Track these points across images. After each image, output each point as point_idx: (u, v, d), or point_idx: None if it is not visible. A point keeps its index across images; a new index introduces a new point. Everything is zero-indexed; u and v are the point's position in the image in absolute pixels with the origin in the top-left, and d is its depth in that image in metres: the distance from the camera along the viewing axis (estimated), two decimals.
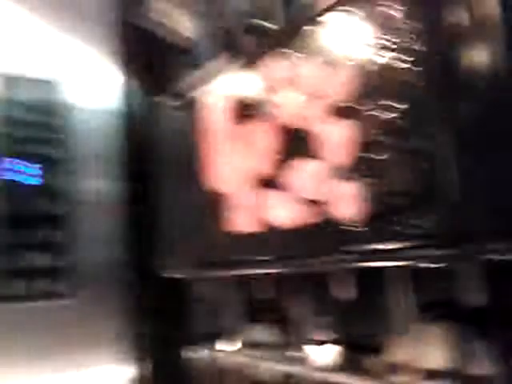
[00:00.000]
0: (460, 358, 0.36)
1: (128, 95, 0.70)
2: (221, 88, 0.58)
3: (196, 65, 0.72)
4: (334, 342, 0.47)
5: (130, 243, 0.64)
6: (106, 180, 0.62)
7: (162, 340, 0.66)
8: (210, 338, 0.63)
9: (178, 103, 0.66)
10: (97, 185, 0.61)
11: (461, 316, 0.35)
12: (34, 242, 0.54)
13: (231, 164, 0.52)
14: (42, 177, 0.55)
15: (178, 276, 0.59)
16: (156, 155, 0.67)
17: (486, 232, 0.30)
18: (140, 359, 0.63)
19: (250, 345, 0.57)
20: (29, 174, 0.55)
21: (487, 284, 0.32)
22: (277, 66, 0.48)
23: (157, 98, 0.70)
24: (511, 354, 0.32)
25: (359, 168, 0.39)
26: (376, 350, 0.45)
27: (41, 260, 0.54)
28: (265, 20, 0.61)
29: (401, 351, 0.39)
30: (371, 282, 0.42)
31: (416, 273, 0.37)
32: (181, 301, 0.65)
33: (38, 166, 0.56)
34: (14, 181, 0.53)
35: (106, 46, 0.68)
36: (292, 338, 0.52)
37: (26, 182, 0.54)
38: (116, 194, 0.63)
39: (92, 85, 0.65)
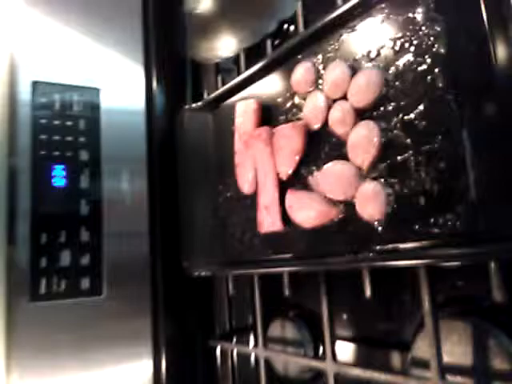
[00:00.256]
0: (482, 353, 0.36)
1: (153, 98, 0.72)
2: (245, 90, 0.60)
3: (222, 69, 0.75)
4: (358, 339, 0.48)
5: (157, 243, 0.66)
6: (133, 181, 0.64)
7: (189, 336, 0.68)
8: (236, 334, 0.65)
9: (201, 104, 0.69)
10: (123, 186, 0.63)
11: (483, 313, 0.36)
12: (63, 241, 0.57)
13: (258, 166, 0.54)
14: (68, 178, 0.57)
15: (206, 274, 0.61)
16: (181, 155, 0.69)
17: (505, 231, 0.31)
18: (166, 356, 0.65)
19: (275, 340, 0.59)
20: (56, 175, 0.57)
21: (508, 282, 0.32)
22: (302, 69, 0.50)
23: (181, 101, 0.73)
24: None
25: (381, 168, 0.41)
26: (399, 346, 0.46)
27: (71, 259, 0.56)
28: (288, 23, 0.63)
29: (424, 347, 0.40)
30: (394, 280, 0.43)
31: (438, 271, 0.38)
32: (207, 299, 0.68)
33: (64, 167, 0.57)
34: (42, 182, 0.55)
35: (132, 50, 0.70)
36: (317, 334, 0.54)
37: (54, 184, 0.57)
38: (142, 196, 0.65)
39: (117, 88, 0.67)
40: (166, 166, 0.70)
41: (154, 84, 0.73)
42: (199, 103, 0.69)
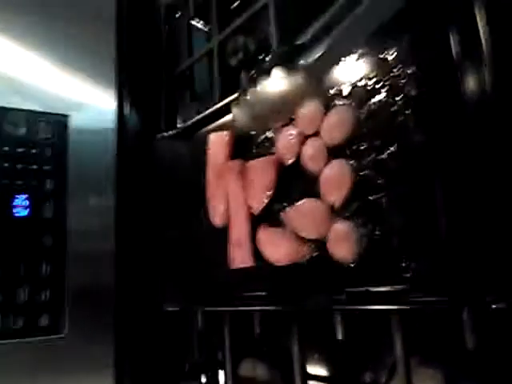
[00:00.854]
0: None
1: (125, 124, 0.70)
2: (220, 121, 0.59)
3: (196, 97, 0.74)
4: (326, 379, 0.47)
5: (126, 275, 0.63)
6: (100, 211, 0.61)
7: (157, 372, 0.65)
8: (206, 371, 0.62)
9: (176, 132, 0.67)
10: (89, 215, 0.60)
11: (451, 359, 0.35)
12: (23, 275, 0.54)
13: (230, 199, 0.52)
14: (31, 208, 0.55)
15: (177, 309, 0.59)
16: (153, 184, 0.68)
17: (477, 279, 0.30)
18: None
19: (246, 380, 0.56)
20: (18, 205, 0.55)
21: (478, 329, 0.31)
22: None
23: (155, 128, 0.71)
24: None
25: (353, 207, 0.40)
26: None
27: (30, 294, 0.53)
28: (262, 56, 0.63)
29: None
30: (367, 322, 0.42)
31: (410, 315, 0.37)
32: (176, 334, 0.65)
33: (27, 196, 0.55)
34: (2, 213, 0.53)
35: (103, 74, 0.69)
36: (286, 374, 0.51)
37: (16, 215, 0.54)
38: (110, 225, 0.63)
39: (87, 114, 0.65)
40: (136, 194, 0.68)
41: (127, 110, 0.71)
42: (173, 131, 0.67)
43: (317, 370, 0.51)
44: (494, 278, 0.30)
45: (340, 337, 0.42)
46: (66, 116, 0.61)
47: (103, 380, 0.60)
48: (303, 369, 0.47)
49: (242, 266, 0.50)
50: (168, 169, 0.65)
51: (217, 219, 0.54)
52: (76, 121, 0.62)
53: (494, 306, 0.28)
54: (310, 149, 0.44)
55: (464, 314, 0.32)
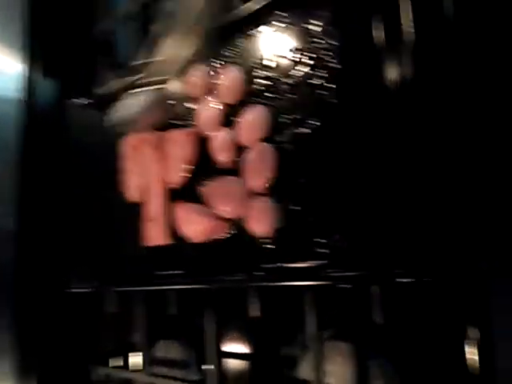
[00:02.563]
0: (359, 375, 0.36)
1: (34, 89, 0.63)
2: (138, 90, 0.55)
3: (114, 64, 0.68)
4: (243, 357, 0.46)
5: (28, 252, 0.58)
6: (2, 179, 0.55)
7: (66, 358, 0.60)
8: (119, 355, 0.59)
9: (91, 101, 0.62)
10: None
11: (360, 335, 0.36)
12: None
13: (145, 173, 0.49)
14: None
15: (83, 290, 0.55)
16: (66, 154, 0.62)
17: (386, 255, 0.31)
18: (41, 378, 0.57)
19: (161, 361, 0.54)
20: None
21: (386, 304, 0.32)
22: (197, 72, 0.46)
23: (66, 94, 0.65)
24: (406, 373, 0.33)
25: (273, 185, 0.39)
26: (288, 365, 0.45)
27: None
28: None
29: (306, 368, 0.39)
30: (279, 299, 0.42)
31: (323, 292, 0.37)
32: (86, 317, 0.61)
33: None
34: None
35: (13, 40, 0.61)
36: (202, 353, 0.50)
37: None
38: (11, 193, 0.56)
39: None
40: (44, 163, 0.62)
41: (39, 76, 0.64)
42: (87, 99, 0.62)
43: (233, 347, 0.50)
44: (403, 254, 0.31)
45: (256, 314, 0.42)
46: None
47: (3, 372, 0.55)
48: (218, 347, 0.46)
49: (157, 243, 0.47)
50: (81, 140, 0.60)
51: (131, 194, 0.51)
52: None
53: (400, 280, 0.28)
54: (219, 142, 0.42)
55: (372, 289, 0.33)
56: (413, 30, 0.33)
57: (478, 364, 0.28)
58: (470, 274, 0.28)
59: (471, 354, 0.28)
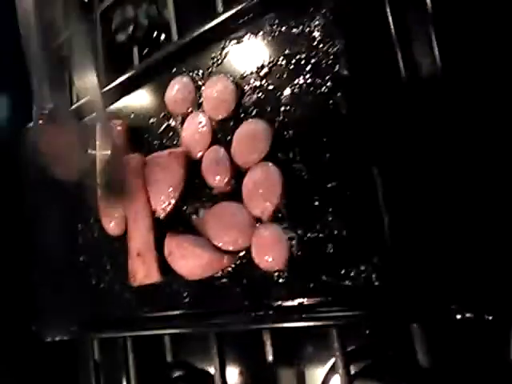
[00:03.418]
0: None
1: None
2: (109, 107, 0.49)
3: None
4: None
5: None
6: None
7: None
8: None
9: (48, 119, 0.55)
10: None
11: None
12: None
13: (126, 201, 0.43)
14: None
15: (62, 339, 0.48)
16: (26, 184, 0.55)
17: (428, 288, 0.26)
18: None
19: None
20: None
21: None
22: (178, 85, 0.41)
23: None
24: None
25: (281, 211, 0.34)
26: None
27: None
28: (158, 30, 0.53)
29: None
30: (299, 338, 0.37)
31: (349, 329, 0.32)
32: (67, 367, 0.54)
33: None
34: None
35: None
36: None
37: None
38: None
39: None
40: (2, 197, 0.54)
41: None
42: (47, 118, 0.55)
43: None
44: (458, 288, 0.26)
45: (270, 357, 0.37)
46: None
47: None
48: None
49: (145, 282, 0.41)
50: (44, 166, 0.53)
51: (111, 226, 0.45)
52: None
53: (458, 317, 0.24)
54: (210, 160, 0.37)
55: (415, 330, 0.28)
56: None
57: None
58: None
59: None
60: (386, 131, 0.30)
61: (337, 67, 0.32)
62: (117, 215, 0.44)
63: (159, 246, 0.40)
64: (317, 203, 0.32)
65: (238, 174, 0.36)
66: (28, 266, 0.54)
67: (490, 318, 0.23)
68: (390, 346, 0.32)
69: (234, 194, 0.37)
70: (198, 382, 0.45)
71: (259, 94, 0.36)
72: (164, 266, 0.40)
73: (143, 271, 0.41)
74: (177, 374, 0.47)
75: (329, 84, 0.32)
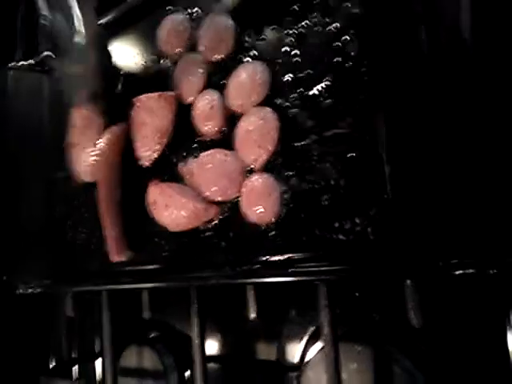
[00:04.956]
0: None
1: None
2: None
3: None
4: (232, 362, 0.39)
5: None
6: None
7: (13, 370, 0.51)
8: (76, 364, 0.50)
9: (33, 62, 0.52)
10: None
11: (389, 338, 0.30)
12: None
13: (106, 145, 0.40)
14: None
15: (34, 292, 0.45)
16: (2, 128, 0.51)
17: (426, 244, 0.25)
18: None
19: (130, 371, 0.46)
20: None
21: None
22: (172, 23, 0.38)
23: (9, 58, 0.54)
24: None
25: (274, 160, 0.32)
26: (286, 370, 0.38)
27: None
28: None
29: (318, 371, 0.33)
30: (282, 295, 0.35)
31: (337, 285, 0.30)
32: (37, 322, 0.51)
33: None
34: None
35: None
36: (183, 360, 0.43)
37: None
38: None
39: None
40: None
41: None
42: (30, 61, 0.51)
43: (217, 350, 0.43)
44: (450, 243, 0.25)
45: (252, 314, 0.35)
46: None
47: None
48: (203, 352, 0.38)
49: (119, 260, 0.39)
50: (22, 107, 0.50)
51: (84, 174, 0.42)
52: None
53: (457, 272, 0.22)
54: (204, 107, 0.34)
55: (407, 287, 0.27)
56: None
57: None
58: None
59: None
60: (396, 78, 0.28)
61: (347, 3, 0.29)
62: (93, 162, 0.41)
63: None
64: (315, 152, 0.30)
65: (231, 121, 0.34)
66: (3, 216, 0.51)
67: (495, 271, 0.21)
68: (378, 307, 0.30)
69: (225, 142, 0.34)
70: (174, 341, 0.43)
71: (259, 35, 0.33)
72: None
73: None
74: (152, 333, 0.45)
75: (338, 23, 0.30)
